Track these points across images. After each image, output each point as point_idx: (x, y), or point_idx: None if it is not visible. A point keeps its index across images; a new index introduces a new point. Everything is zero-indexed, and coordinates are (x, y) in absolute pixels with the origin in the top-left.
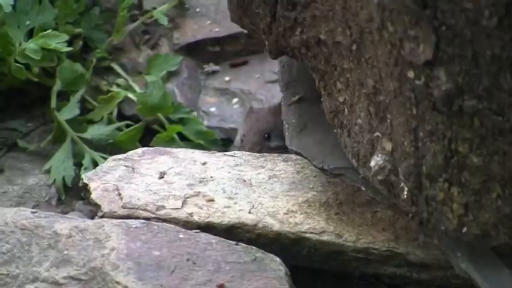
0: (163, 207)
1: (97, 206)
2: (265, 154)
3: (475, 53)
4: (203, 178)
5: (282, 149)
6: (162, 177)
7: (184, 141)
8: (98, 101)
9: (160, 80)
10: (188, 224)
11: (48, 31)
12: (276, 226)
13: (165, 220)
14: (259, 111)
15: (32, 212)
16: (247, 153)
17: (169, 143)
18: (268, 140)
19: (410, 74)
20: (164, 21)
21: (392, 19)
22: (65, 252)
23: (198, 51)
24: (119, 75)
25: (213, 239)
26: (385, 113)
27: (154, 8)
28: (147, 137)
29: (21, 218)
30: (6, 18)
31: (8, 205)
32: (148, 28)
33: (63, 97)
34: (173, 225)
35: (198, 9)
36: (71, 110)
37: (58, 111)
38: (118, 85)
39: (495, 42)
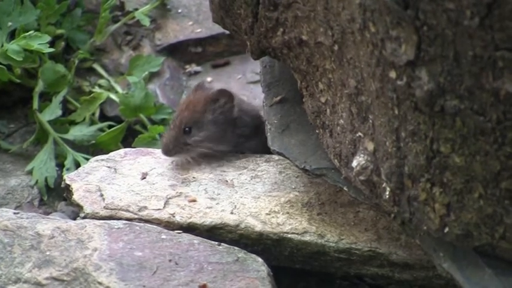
0: (145, 208)
1: (79, 207)
2: (247, 154)
3: (457, 53)
4: (185, 179)
5: (204, 145)
6: (144, 177)
7: None
8: (80, 102)
9: (142, 81)
10: (170, 225)
11: (30, 32)
12: (258, 227)
13: (147, 221)
14: (198, 93)
15: (14, 213)
16: (231, 153)
17: (152, 143)
18: (188, 134)
19: (392, 74)
20: (146, 22)
21: (374, 19)
22: (47, 253)
23: (180, 52)
24: (101, 76)
25: (196, 239)
26: (367, 114)
27: (136, 9)
28: (129, 138)
29: (3, 219)
30: None
31: None
32: (131, 29)
33: (46, 98)
34: (155, 226)
35: (180, 10)
36: (53, 111)
37: (40, 112)
38: (100, 86)
39: (477, 43)
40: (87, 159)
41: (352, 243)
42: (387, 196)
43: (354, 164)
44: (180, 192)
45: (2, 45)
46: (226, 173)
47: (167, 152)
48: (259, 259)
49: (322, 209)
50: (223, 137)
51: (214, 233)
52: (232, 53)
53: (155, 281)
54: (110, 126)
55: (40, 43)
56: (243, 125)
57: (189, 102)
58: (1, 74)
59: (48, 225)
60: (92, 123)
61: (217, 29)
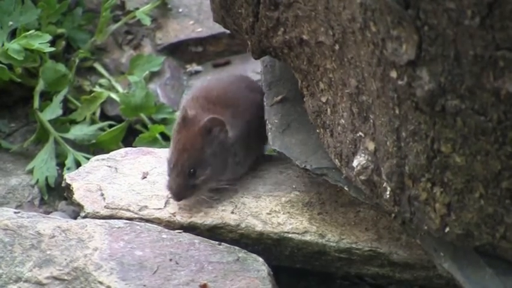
0: (146, 207)
1: (80, 206)
2: None
3: (458, 52)
4: None
5: (216, 181)
6: (145, 177)
7: (167, 141)
8: (80, 101)
9: (143, 80)
10: (171, 224)
11: (31, 31)
12: (259, 226)
13: (147, 220)
14: (189, 128)
15: (15, 212)
16: None
17: (152, 143)
18: (193, 176)
19: (393, 74)
20: (147, 21)
21: (374, 19)
22: (48, 253)
23: (181, 52)
24: (101, 76)
25: (196, 239)
26: (368, 113)
27: (137, 9)
28: (130, 137)
29: (4, 218)
30: None
31: None
32: (131, 28)
33: (46, 97)
34: (156, 225)
35: (180, 10)
36: (53, 110)
37: (41, 111)
38: (101, 85)
39: (477, 42)
40: (88, 159)
41: (352, 242)
42: (388, 196)
43: (355, 163)
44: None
45: (3, 45)
46: None
47: (180, 198)
48: (260, 259)
49: (323, 209)
50: (226, 166)
51: (214, 232)
52: (233, 52)
53: (156, 281)
54: (110, 126)
55: (41, 42)
56: (238, 152)
57: (185, 142)
58: (2, 73)
59: (48, 224)
60: (93, 122)
61: (218, 29)
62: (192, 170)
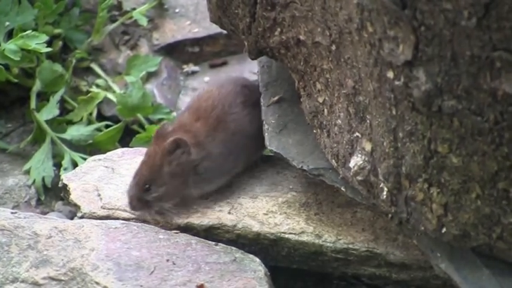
0: None
1: (77, 207)
2: None
3: (455, 53)
4: None
5: (163, 201)
6: None
7: None
8: (77, 102)
9: (139, 81)
10: (168, 225)
11: (27, 32)
12: (256, 227)
13: (144, 221)
14: (159, 143)
15: (12, 213)
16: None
17: (149, 143)
18: (148, 191)
19: (390, 74)
20: (144, 21)
21: (371, 19)
22: (45, 253)
23: (178, 52)
24: (98, 76)
25: (193, 239)
26: (365, 114)
27: (134, 9)
28: (126, 138)
29: (0, 219)
30: None
31: None
32: (128, 29)
33: (43, 98)
34: (153, 226)
35: (177, 10)
36: (50, 111)
37: (38, 111)
38: (98, 86)
39: (474, 43)
40: (85, 159)
41: (349, 243)
42: (384, 196)
43: (352, 164)
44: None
45: (0, 45)
46: None
47: (132, 208)
48: (257, 259)
49: (320, 209)
50: (184, 187)
51: (211, 233)
52: (230, 52)
53: (152, 281)
54: (107, 126)
55: (37, 43)
56: (203, 171)
57: (149, 155)
58: None
59: (45, 224)
60: (90, 122)
61: (215, 29)
62: (147, 186)
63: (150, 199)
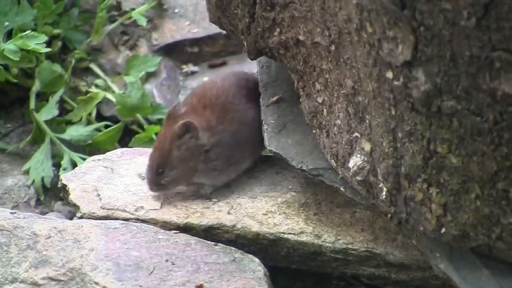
0: (142, 207)
1: (76, 207)
2: None
3: (454, 53)
4: None
5: (177, 184)
6: (144, 178)
7: None
8: (76, 102)
9: (139, 81)
10: (167, 225)
11: (27, 32)
12: (255, 227)
13: (144, 221)
14: (170, 126)
15: (11, 213)
16: None
17: (148, 143)
18: (161, 175)
19: (389, 74)
20: (143, 22)
21: (371, 20)
22: (44, 253)
23: (177, 52)
24: (97, 76)
25: (192, 239)
26: (364, 114)
27: (133, 9)
28: (126, 138)
29: (0, 219)
30: None
31: None
32: (127, 29)
33: (42, 98)
34: (152, 226)
35: (176, 10)
36: (49, 111)
37: (37, 112)
38: (97, 86)
39: (474, 43)
40: (84, 159)
41: (348, 243)
42: (384, 196)
43: (351, 164)
44: (177, 193)
45: None
46: None
47: (151, 189)
48: (256, 259)
49: (319, 209)
50: (194, 172)
51: (211, 233)
52: (229, 53)
53: (152, 281)
54: (106, 126)
55: (37, 43)
56: (214, 158)
57: (160, 139)
58: None
59: (44, 225)
60: (89, 123)
61: (214, 29)
62: (160, 170)
63: (164, 183)
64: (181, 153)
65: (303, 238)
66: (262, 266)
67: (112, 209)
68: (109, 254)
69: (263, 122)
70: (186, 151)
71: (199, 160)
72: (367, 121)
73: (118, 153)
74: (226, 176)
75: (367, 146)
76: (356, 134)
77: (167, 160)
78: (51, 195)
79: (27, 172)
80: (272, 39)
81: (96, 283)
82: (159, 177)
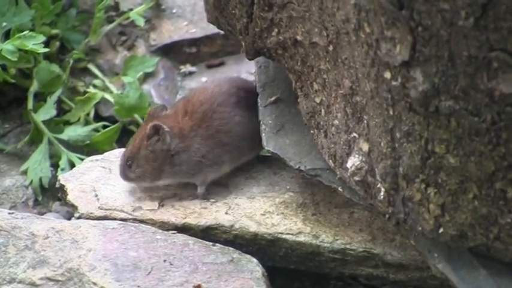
0: (140, 208)
1: (74, 207)
2: None
3: (452, 53)
4: None
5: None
6: None
7: None
8: (74, 102)
9: (137, 81)
10: (165, 225)
11: (24, 32)
12: (253, 227)
13: (141, 221)
14: (146, 124)
15: (9, 213)
16: None
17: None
18: (129, 168)
19: (387, 74)
20: (141, 22)
21: (368, 20)
22: (42, 253)
23: (175, 52)
24: (95, 76)
25: (190, 239)
26: (362, 114)
27: (131, 10)
28: (124, 138)
29: None
30: None
31: None
32: (125, 29)
33: (40, 98)
34: (150, 226)
35: (174, 10)
36: (47, 111)
37: (35, 112)
38: (95, 86)
39: (471, 43)
40: (82, 160)
41: (346, 243)
42: (382, 197)
43: (349, 164)
44: (175, 193)
45: None
46: None
47: (122, 178)
48: (254, 259)
49: (317, 210)
50: (160, 173)
51: (208, 233)
52: (227, 53)
53: (150, 281)
54: (104, 127)
55: (35, 43)
56: (178, 163)
57: (135, 136)
58: None
59: (42, 225)
60: (87, 123)
61: (212, 29)
62: (128, 163)
63: (131, 176)
64: (147, 153)
65: (301, 238)
66: (260, 266)
67: (110, 209)
68: (107, 254)
69: (261, 122)
70: (152, 153)
71: (165, 163)
72: (365, 121)
73: (116, 154)
74: (203, 176)
75: (365, 146)
76: (354, 134)
77: (135, 156)
78: (49, 195)
79: (25, 172)
80: (270, 39)
81: (94, 283)
82: (128, 169)
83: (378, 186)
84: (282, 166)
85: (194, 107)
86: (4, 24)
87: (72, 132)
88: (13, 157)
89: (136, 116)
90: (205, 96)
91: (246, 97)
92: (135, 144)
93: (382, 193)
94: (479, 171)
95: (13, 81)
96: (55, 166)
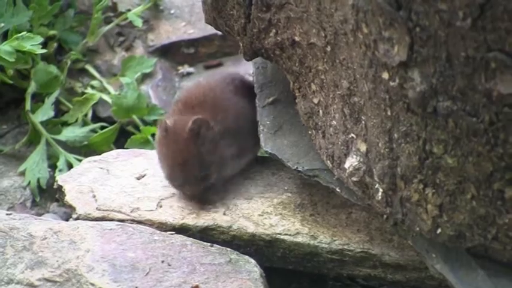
0: (138, 209)
1: (72, 208)
2: None
3: (449, 54)
4: None
5: None
6: (143, 176)
7: None
8: (72, 103)
9: (135, 82)
10: (163, 226)
11: (22, 33)
12: (251, 228)
13: (139, 222)
14: (176, 136)
15: (7, 214)
16: None
17: (144, 144)
18: (206, 178)
19: (385, 75)
20: (139, 23)
21: (366, 20)
22: (40, 254)
23: (173, 53)
24: (93, 77)
25: (188, 240)
26: (360, 115)
27: (129, 10)
28: (121, 139)
29: None
30: None
31: None
32: (123, 30)
33: (38, 99)
34: (148, 227)
35: (172, 11)
36: (45, 112)
37: (33, 113)
38: (93, 87)
39: (469, 44)
40: (80, 161)
41: (344, 244)
42: (380, 197)
43: (347, 165)
44: (173, 193)
45: None
46: None
47: (204, 203)
48: (252, 260)
49: (315, 210)
50: (225, 159)
51: (206, 234)
52: (225, 54)
53: (148, 282)
54: (102, 127)
55: (32, 44)
56: (226, 145)
57: (173, 156)
58: None
59: (40, 226)
60: (85, 124)
61: (210, 30)
62: (202, 174)
63: (213, 181)
64: (208, 147)
65: (299, 239)
66: (258, 267)
67: (108, 210)
68: (105, 255)
69: (259, 123)
70: (210, 143)
71: (221, 149)
72: (363, 122)
73: (114, 155)
74: (237, 165)
75: (363, 147)
76: (352, 134)
77: (202, 162)
78: (47, 196)
79: (23, 173)
80: (268, 40)
81: (92, 284)
82: (204, 182)
83: (376, 186)
84: (280, 167)
85: (198, 99)
86: (2, 25)
87: (70, 133)
88: (11, 158)
89: (134, 117)
90: (204, 89)
91: (242, 86)
92: (191, 158)
93: (380, 193)
94: (477, 171)
95: (11, 82)
96: (53, 167)
